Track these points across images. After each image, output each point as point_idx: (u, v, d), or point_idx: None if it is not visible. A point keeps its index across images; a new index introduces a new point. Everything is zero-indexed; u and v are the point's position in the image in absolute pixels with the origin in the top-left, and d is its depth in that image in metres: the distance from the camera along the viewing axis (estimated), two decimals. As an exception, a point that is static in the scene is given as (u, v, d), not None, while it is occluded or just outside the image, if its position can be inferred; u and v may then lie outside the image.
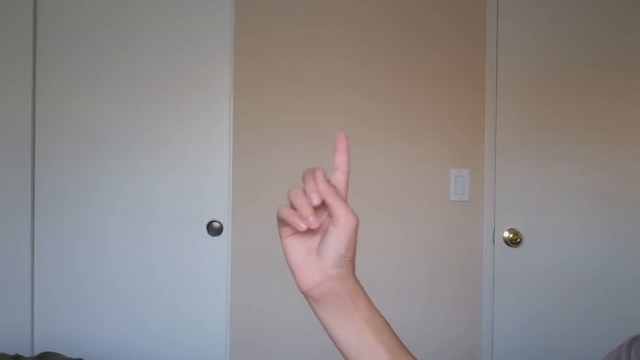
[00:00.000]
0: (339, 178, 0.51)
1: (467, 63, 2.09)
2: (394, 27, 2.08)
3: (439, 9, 2.10)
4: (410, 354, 0.51)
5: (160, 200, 2.02)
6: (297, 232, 0.50)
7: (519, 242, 2.07)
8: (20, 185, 1.97)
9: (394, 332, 0.52)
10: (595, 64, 2.10)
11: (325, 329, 0.51)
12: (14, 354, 1.32)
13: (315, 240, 0.51)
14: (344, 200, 0.49)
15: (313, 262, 0.50)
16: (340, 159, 0.51)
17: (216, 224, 2.03)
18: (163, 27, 2.03)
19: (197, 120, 2.04)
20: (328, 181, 0.49)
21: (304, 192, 0.49)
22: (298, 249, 0.51)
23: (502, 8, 2.09)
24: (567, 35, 2.10)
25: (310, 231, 0.49)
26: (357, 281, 0.51)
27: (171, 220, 2.03)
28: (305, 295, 0.51)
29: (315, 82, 2.06)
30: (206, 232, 2.03)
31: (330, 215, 0.48)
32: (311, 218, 0.47)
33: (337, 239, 0.48)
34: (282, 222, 0.50)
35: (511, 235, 2.07)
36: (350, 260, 0.50)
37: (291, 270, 0.51)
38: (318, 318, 0.52)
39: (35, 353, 1.88)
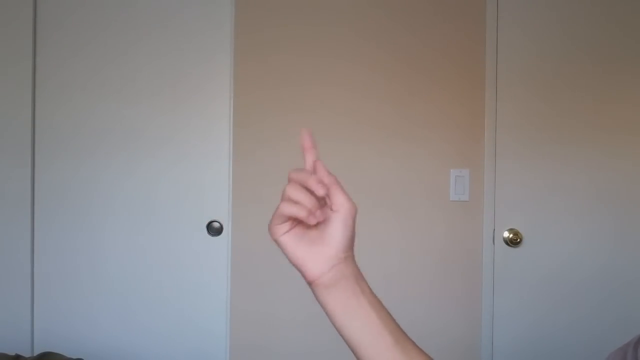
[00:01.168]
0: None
1: (467, 63, 2.09)
2: (394, 27, 2.09)
3: (438, 9, 2.09)
4: (407, 335, 0.53)
5: (160, 200, 2.02)
6: (293, 228, 0.52)
7: (519, 242, 2.07)
8: (20, 185, 1.97)
9: (391, 315, 0.53)
10: (595, 64, 2.10)
11: (332, 317, 0.52)
12: (14, 354, 1.32)
13: (314, 231, 0.52)
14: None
15: (320, 250, 0.51)
16: (310, 159, 0.52)
17: (216, 224, 2.03)
18: (163, 26, 2.03)
19: (197, 120, 2.04)
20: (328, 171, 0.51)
21: (301, 186, 0.50)
22: (298, 242, 0.52)
23: (502, 8, 2.09)
24: (567, 34, 2.10)
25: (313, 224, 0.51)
26: (357, 265, 0.54)
27: (171, 220, 2.03)
28: (315, 284, 0.52)
29: (315, 82, 2.06)
30: (206, 232, 2.03)
31: (330, 204, 0.51)
32: (318, 212, 0.49)
33: (344, 223, 0.51)
34: (279, 219, 0.51)
35: (511, 235, 2.07)
36: (353, 243, 0.53)
37: (295, 264, 0.52)
38: (325, 307, 0.53)
39: (35, 353, 1.88)
